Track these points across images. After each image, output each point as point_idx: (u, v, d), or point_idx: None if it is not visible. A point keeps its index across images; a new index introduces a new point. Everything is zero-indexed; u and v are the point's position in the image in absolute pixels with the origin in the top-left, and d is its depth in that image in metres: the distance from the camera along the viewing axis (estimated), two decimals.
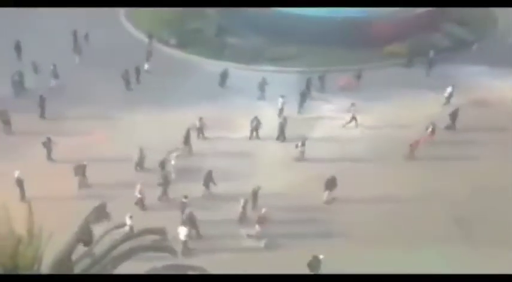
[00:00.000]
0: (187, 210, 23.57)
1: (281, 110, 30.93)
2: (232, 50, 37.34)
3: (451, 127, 30.52)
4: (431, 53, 36.01)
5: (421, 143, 28.57)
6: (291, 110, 31.29)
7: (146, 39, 38.35)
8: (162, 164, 26.46)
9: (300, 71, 35.37)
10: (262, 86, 32.59)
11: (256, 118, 29.28)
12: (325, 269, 21.42)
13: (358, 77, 33.76)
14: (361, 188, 26.32)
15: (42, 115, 30.32)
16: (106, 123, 30.04)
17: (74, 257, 14.92)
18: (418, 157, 28.49)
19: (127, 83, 33.25)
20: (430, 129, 29.40)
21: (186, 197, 24.00)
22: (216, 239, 23.69)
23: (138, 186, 24.78)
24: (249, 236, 23.64)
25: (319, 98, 33.12)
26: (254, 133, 29.53)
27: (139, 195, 24.78)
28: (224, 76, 34.10)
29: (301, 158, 28.15)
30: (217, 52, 37.19)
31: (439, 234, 24.00)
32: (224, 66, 35.11)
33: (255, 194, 24.62)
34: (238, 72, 34.93)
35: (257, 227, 23.57)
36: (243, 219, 24.20)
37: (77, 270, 14.91)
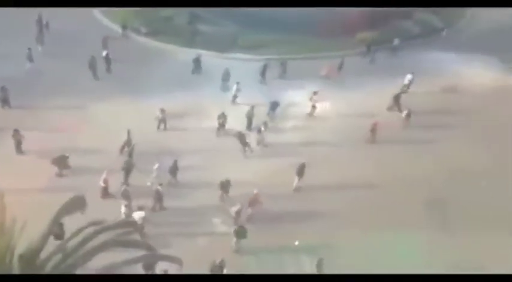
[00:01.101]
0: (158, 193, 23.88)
1: (234, 97, 31.02)
2: (204, 37, 37.16)
3: (391, 108, 30.96)
4: (396, 41, 36.32)
5: (380, 126, 28.92)
6: (263, 97, 31.34)
7: (116, 29, 37.89)
8: (130, 151, 26.44)
9: (272, 59, 35.37)
10: (225, 76, 32.27)
11: (223, 114, 28.94)
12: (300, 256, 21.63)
13: (340, 66, 33.84)
14: (332, 174, 26.66)
15: (4, 106, 29.79)
16: (78, 113, 29.68)
17: (47, 251, 14.85)
18: (388, 142, 28.87)
19: (94, 71, 32.85)
20: (405, 113, 29.73)
21: (161, 184, 24.12)
22: (187, 226, 23.72)
23: (104, 175, 24.63)
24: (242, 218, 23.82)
25: (290, 85, 33.15)
26: (221, 129, 29.03)
27: (103, 184, 24.61)
28: (197, 63, 33.94)
29: (261, 141, 28.32)
30: (189, 40, 36.97)
31: (410, 218, 24.35)
32: (196, 54, 34.93)
33: (224, 187, 24.49)
34: (212, 60, 34.78)
35: (249, 209, 23.84)
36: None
37: (49, 265, 14.86)
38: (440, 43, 37.88)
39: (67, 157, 25.58)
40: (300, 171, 25.47)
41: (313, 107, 30.75)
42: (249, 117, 29.51)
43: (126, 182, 25.26)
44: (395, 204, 25.15)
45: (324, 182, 26.08)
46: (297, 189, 25.63)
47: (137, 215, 22.37)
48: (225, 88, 32.10)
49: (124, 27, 37.63)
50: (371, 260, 22.15)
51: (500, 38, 37.75)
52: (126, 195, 23.45)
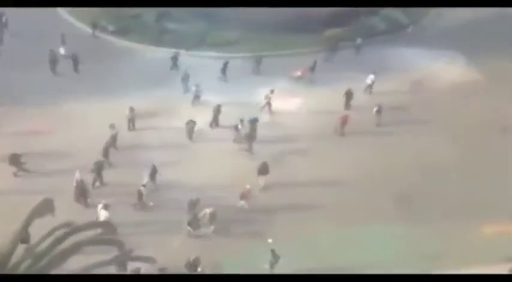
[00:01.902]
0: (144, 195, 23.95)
1: (196, 97, 30.81)
2: (172, 35, 36.91)
3: (346, 107, 31.24)
4: (359, 40, 36.67)
5: (349, 119, 29.33)
6: (231, 95, 31.31)
7: (83, 27, 37.33)
8: (105, 152, 26.15)
9: (242, 56, 35.33)
10: (185, 78, 31.89)
11: (191, 121, 28.52)
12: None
13: (313, 68, 33.95)
14: (303, 170, 26.84)
15: None
16: (45, 113, 29.21)
17: (17, 254, 14.60)
18: (358, 138, 29.19)
19: (53, 66, 32.40)
20: (375, 109, 30.10)
21: (144, 185, 24.09)
22: (160, 225, 23.61)
23: (76, 176, 24.30)
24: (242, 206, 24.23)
25: (258, 82, 33.05)
26: (191, 135, 28.63)
27: (75, 184, 24.27)
28: (174, 60, 33.87)
29: (238, 140, 28.35)
30: (157, 38, 36.67)
31: (380, 212, 24.62)
32: (164, 52, 34.64)
33: (193, 205, 23.86)
34: (182, 58, 34.51)
35: (242, 202, 24.07)
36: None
37: (21, 268, 14.60)
38: (407, 39, 38.29)
39: (19, 155, 25.09)
40: (263, 170, 25.43)
41: (269, 104, 30.82)
42: (215, 115, 29.39)
43: (100, 181, 25.00)
44: (366, 199, 25.42)
45: (295, 178, 26.24)
46: (265, 188, 25.49)
47: (102, 215, 22.15)
48: (186, 89, 31.76)
49: (94, 26, 37.08)
50: (342, 255, 22.38)
51: (465, 33, 38.37)
52: (99, 195, 23.20)
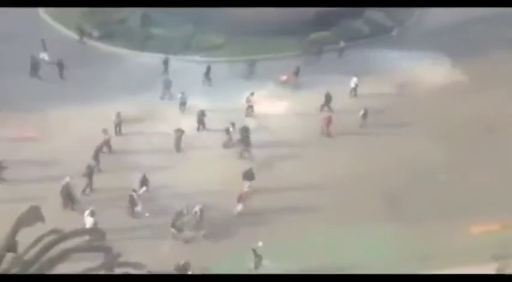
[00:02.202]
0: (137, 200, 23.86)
1: (182, 104, 30.60)
2: (157, 40, 36.86)
3: (323, 109, 31.39)
4: (342, 43, 36.79)
5: (329, 120, 29.64)
6: (217, 100, 31.31)
7: (68, 33, 37.11)
8: (96, 156, 26.07)
9: (228, 60, 35.37)
10: (167, 84, 31.69)
11: (179, 130, 28.16)
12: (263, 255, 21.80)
13: (297, 72, 33.96)
14: (292, 172, 26.89)
15: None
16: (31, 119, 29.03)
17: (5, 263, 14.47)
18: (345, 140, 29.37)
19: (34, 71, 32.27)
20: (361, 113, 30.22)
21: (134, 190, 24.01)
22: (154, 230, 23.57)
23: (67, 179, 24.17)
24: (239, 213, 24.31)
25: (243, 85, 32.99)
26: (178, 146, 28.19)
27: (69, 190, 24.12)
28: (166, 65, 33.87)
29: (229, 144, 28.30)
30: (143, 43, 36.61)
31: (367, 214, 24.71)
32: (150, 57, 34.66)
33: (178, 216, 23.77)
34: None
35: (241, 205, 24.14)
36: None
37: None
38: (391, 42, 38.54)
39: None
40: (249, 175, 25.41)
41: (250, 107, 30.84)
42: (200, 120, 29.35)
43: (90, 187, 24.96)
44: (355, 201, 25.48)
45: (284, 181, 26.22)
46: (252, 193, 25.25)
47: (88, 222, 22.02)
48: (165, 95, 31.54)
49: (81, 32, 36.86)
50: (332, 256, 22.46)
51: (448, 35, 38.72)
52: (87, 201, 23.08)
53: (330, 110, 31.18)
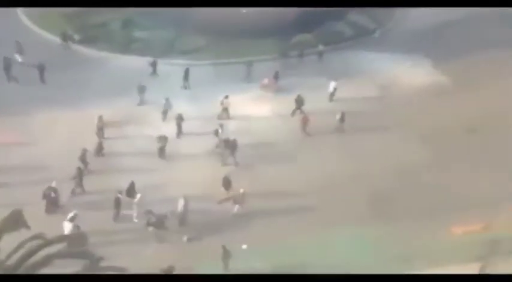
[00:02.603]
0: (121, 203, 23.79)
1: (165, 112, 30.20)
2: (139, 43, 36.70)
3: (294, 113, 31.48)
4: (320, 47, 36.83)
5: (306, 120, 30.02)
6: (204, 102, 31.29)
7: (48, 36, 36.79)
8: (82, 157, 25.95)
9: (210, 63, 35.31)
10: (141, 90, 31.28)
11: (163, 137, 27.81)
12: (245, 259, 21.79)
13: (276, 76, 33.94)
14: (278, 174, 26.96)
15: None
16: (11, 123, 28.66)
17: None
18: (327, 141, 29.55)
19: (7, 73, 32.08)
20: (338, 117, 30.35)
21: (120, 192, 23.92)
22: (138, 234, 23.50)
23: (54, 184, 24.06)
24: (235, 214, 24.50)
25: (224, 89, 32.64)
26: (162, 154, 27.84)
27: (53, 195, 23.97)
28: (154, 66, 33.83)
29: (219, 145, 28.19)
30: (125, 46, 36.43)
31: (351, 215, 24.81)
32: (132, 60, 34.51)
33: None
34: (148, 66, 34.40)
35: (237, 206, 24.26)
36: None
37: None
38: (372, 44, 38.74)
39: None
40: (226, 184, 25.24)
41: (225, 109, 30.82)
42: (179, 124, 29.16)
43: (81, 188, 24.99)
44: (338, 202, 25.56)
45: (268, 184, 26.23)
46: (222, 201, 25.11)
47: (67, 227, 21.87)
48: (141, 101, 31.32)
49: (64, 36, 36.51)
50: (316, 257, 22.53)
51: (429, 36, 39.05)
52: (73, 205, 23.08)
53: (303, 113, 31.18)
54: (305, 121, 30.16)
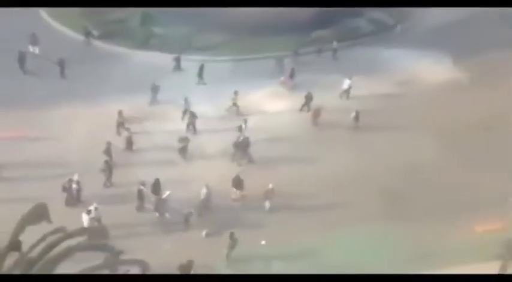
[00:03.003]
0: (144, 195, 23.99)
1: (185, 112, 29.91)
2: (158, 39, 36.82)
3: (303, 109, 31.48)
4: (335, 44, 36.65)
5: (318, 112, 30.32)
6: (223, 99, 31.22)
7: (67, 32, 37.10)
8: (107, 151, 26.12)
9: (228, 60, 35.34)
10: (154, 89, 31.14)
11: (185, 138, 27.68)
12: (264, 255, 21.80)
13: (292, 75, 33.83)
14: (290, 170, 26.84)
15: None
16: (32, 120, 28.94)
17: (9, 262, 14.45)
18: (343, 138, 29.48)
19: (21, 65, 32.53)
20: (353, 115, 30.20)
21: (143, 184, 24.05)
22: (158, 228, 23.70)
23: (76, 177, 24.25)
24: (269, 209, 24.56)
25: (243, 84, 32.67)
26: (184, 155, 27.61)
27: (74, 186, 24.22)
28: (178, 61, 34.13)
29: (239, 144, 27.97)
30: (144, 42, 36.58)
31: (369, 212, 24.70)
32: (151, 56, 34.62)
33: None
34: (167, 61, 34.47)
35: (267, 202, 24.27)
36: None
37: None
38: (392, 40, 38.53)
39: None
40: (237, 183, 25.09)
41: (235, 105, 30.86)
42: (191, 121, 29.11)
43: (110, 181, 25.32)
44: (355, 199, 25.45)
45: (284, 180, 25.97)
46: (236, 200, 25.12)
47: (86, 220, 22.12)
48: (154, 100, 31.24)
49: (86, 33, 36.79)
50: (336, 255, 22.47)
51: (450, 33, 38.72)
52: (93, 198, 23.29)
53: (310, 109, 31.21)
54: (316, 114, 30.34)
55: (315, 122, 30.49)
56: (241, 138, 27.62)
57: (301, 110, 31.46)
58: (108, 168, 25.39)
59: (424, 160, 27.95)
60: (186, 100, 30.16)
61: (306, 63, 35.28)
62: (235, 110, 30.88)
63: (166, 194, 24.04)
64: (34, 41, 34.35)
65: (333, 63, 35.98)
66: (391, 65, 35.71)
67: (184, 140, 27.47)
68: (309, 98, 31.43)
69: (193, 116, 29.20)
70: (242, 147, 27.48)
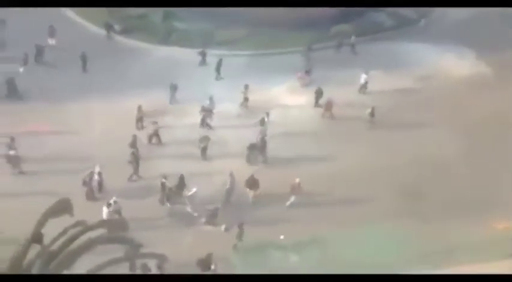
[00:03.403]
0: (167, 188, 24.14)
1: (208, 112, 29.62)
2: (179, 34, 36.98)
3: (316, 105, 31.41)
4: (353, 39, 36.39)
5: (330, 104, 30.38)
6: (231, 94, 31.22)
7: (89, 26, 37.54)
8: (133, 144, 26.38)
9: (249, 54, 35.37)
10: (173, 88, 31.07)
11: (206, 137, 27.50)
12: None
13: (309, 71, 33.61)
14: (309, 166, 26.72)
15: None
16: (53, 113, 29.33)
17: (31, 255, 14.71)
18: (362, 133, 29.35)
19: (40, 59, 33.13)
20: (369, 111, 29.93)
21: (165, 177, 24.23)
22: (174, 221, 23.94)
23: (97, 168, 24.55)
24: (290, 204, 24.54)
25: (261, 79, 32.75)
26: (204, 155, 27.40)
27: (96, 178, 24.58)
28: (203, 55, 34.22)
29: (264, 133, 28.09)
30: (165, 37, 36.75)
31: (387, 209, 24.58)
32: (172, 51, 34.80)
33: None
34: (188, 57, 34.65)
35: (292, 197, 24.33)
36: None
37: (34, 269, 14.70)
38: (415, 35, 38.13)
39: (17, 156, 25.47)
40: (252, 183, 24.87)
41: (246, 99, 30.88)
42: (204, 116, 29.12)
43: (137, 173, 25.57)
44: (374, 195, 25.35)
45: (302, 177, 25.70)
46: (255, 201, 25.01)
47: (106, 213, 22.45)
48: (173, 100, 31.18)
49: (108, 27, 37.07)
50: (348, 253, 22.41)
51: (473, 28, 38.21)
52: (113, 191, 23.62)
53: (319, 105, 31.16)
54: (328, 107, 30.34)
55: (326, 115, 30.55)
56: (259, 138, 27.47)
57: (315, 106, 31.36)
58: (135, 160, 25.65)
59: (445, 156, 27.71)
60: (211, 99, 30.04)
61: (325, 58, 34.98)
62: (246, 104, 30.89)
63: (193, 191, 24.09)
64: (52, 33, 34.86)
65: (352, 58, 35.73)
66: (413, 60, 35.36)
67: (204, 140, 27.30)
68: (319, 94, 31.31)
69: (207, 111, 29.21)
70: (259, 148, 27.31)
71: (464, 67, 35.00)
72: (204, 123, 29.27)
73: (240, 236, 22.58)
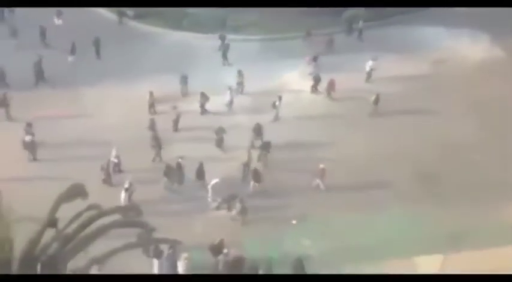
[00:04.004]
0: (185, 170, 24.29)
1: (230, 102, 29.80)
2: (191, 19, 36.92)
3: (314, 91, 31.28)
4: (360, 23, 36.04)
5: (332, 84, 30.46)
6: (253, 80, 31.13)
7: (101, 11, 37.63)
8: (152, 127, 26.53)
9: (261, 39, 35.27)
10: (183, 80, 30.81)
11: (221, 129, 27.01)
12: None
13: (315, 59, 32.88)
14: (326, 150, 26.83)
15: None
16: (65, 98, 29.59)
17: (44, 239, 14.94)
18: (380, 117, 29.19)
19: (42, 39, 33.45)
20: (373, 98, 29.68)
21: (182, 157, 24.42)
22: (186, 207, 24.07)
23: (114, 152, 24.82)
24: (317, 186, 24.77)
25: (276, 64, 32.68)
26: (219, 143, 27.20)
27: (115, 160, 24.86)
28: (223, 39, 33.95)
29: (276, 117, 28.38)
30: (177, 22, 36.71)
31: (405, 194, 24.60)
32: (184, 36, 34.78)
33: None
34: (200, 42, 34.71)
35: (318, 180, 24.61)
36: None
37: (48, 252, 14.94)
38: (429, 19, 37.67)
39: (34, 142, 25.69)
40: (256, 176, 24.76)
41: (240, 84, 30.68)
42: (202, 102, 29.12)
43: (159, 156, 25.76)
44: (390, 180, 25.34)
45: (315, 159, 25.92)
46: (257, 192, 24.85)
47: (122, 198, 22.70)
48: (184, 93, 30.78)
49: (120, 13, 37.06)
50: (364, 237, 22.51)
51: (487, 11, 37.66)
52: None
53: (317, 91, 31.03)
54: (331, 85, 30.36)
55: (329, 94, 30.56)
56: (261, 141, 26.98)
57: (311, 92, 31.18)
58: (157, 142, 25.81)
59: (461, 140, 27.55)
60: (231, 89, 29.67)
61: (336, 43, 34.64)
62: (240, 89, 30.64)
63: (214, 181, 24.02)
64: (59, 13, 35.00)
65: (362, 43, 35.39)
66: (427, 44, 35.07)
67: (220, 131, 27.04)
68: (317, 80, 31.14)
69: (204, 97, 29.15)
70: (265, 148, 26.75)
71: (479, 51, 34.63)
72: (203, 109, 29.28)
73: (243, 212, 22.76)
